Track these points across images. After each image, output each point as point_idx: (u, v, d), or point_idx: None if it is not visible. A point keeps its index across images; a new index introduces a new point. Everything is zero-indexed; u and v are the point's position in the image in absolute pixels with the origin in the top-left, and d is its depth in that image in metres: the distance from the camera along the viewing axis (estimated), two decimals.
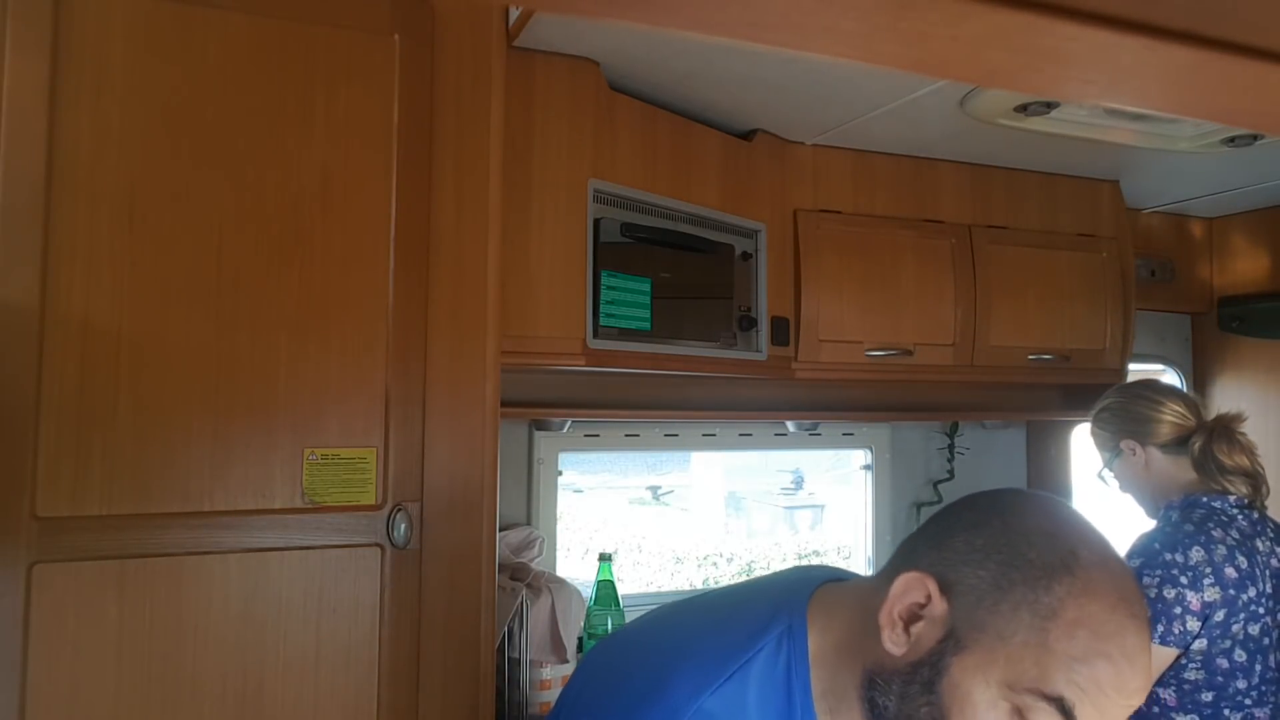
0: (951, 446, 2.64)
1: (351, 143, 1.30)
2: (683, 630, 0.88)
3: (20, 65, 1.13)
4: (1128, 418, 1.72)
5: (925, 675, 0.74)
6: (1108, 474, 1.80)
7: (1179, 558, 1.53)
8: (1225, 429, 1.66)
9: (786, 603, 0.85)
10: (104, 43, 1.18)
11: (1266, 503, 1.67)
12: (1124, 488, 1.78)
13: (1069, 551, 0.72)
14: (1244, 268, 2.69)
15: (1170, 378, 2.84)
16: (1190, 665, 1.54)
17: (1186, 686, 1.55)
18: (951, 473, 2.64)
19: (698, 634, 0.86)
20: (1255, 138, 1.94)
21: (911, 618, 0.75)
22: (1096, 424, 1.79)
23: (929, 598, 0.74)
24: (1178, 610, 1.51)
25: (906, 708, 0.75)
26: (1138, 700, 0.71)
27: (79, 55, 1.16)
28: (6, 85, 1.13)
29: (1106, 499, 1.99)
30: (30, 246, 1.13)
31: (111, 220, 1.18)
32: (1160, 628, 1.51)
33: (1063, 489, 2.68)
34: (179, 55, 1.21)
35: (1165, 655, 1.53)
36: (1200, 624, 1.51)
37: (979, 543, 0.75)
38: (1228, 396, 2.70)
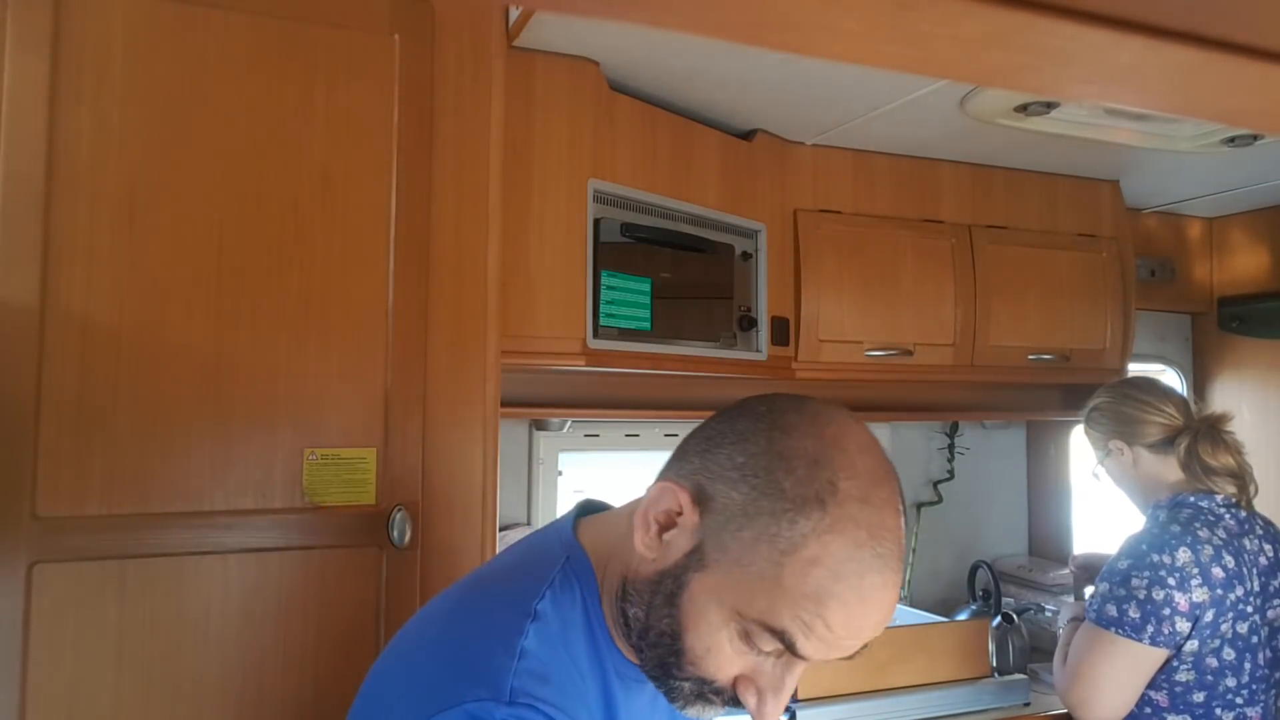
0: (951, 446, 2.64)
1: (352, 143, 1.30)
2: (467, 603, 0.82)
3: (20, 65, 1.13)
4: (1116, 418, 1.73)
5: (669, 587, 0.73)
6: (1100, 470, 1.81)
7: (1166, 559, 1.52)
8: (1210, 429, 1.66)
9: (554, 540, 0.83)
10: (104, 42, 1.18)
11: (1255, 500, 1.67)
12: (1117, 486, 1.79)
13: (828, 482, 0.69)
14: (1244, 268, 2.69)
15: (1170, 377, 2.84)
16: (1181, 666, 1.54)
17: (1178, 688, 1.54)
18: (951, 473, 2.64)
19: (485, 601, 0.81)
20: (1255, 138, 1.94)
21: (667, 523, 0.74)
22: (1087, 424, 1.80)
23: (682, 507, 0.73)
24: (1166, 612, 1.51)
25: (652, 618, 0.74)
26: (870, 635, 0.70)
27: (79, 55, 1.16)
28: (6, 85, 1.13)
29: (1106, 497, 2.00)
30: (30, 246, 1.13)
31: (111, 220, 1.18)
32: (1150, 629, 1.51)
33: (1062, 489, 2.68)
34: (179, 55, 1.21)
35: (1156, 657, 1.53)
36: (1190, 625, 1.51)
37: (740, 460, 0.72)
38: (1228, 396, 2.70)
